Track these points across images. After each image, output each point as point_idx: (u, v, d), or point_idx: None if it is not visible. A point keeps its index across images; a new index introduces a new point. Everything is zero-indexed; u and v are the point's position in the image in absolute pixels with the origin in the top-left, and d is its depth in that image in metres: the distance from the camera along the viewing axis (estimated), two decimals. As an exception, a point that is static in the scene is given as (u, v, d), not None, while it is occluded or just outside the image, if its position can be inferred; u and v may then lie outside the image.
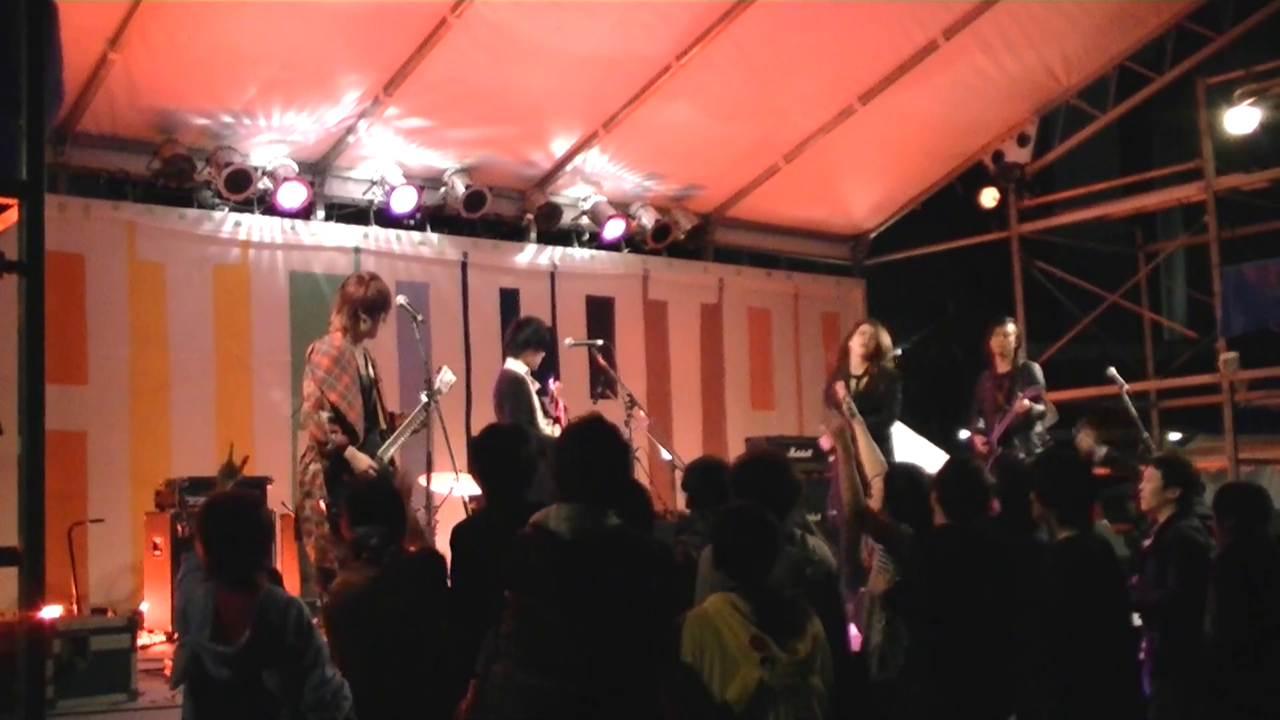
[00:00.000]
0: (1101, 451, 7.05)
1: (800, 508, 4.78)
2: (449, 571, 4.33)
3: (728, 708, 3.49)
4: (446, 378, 6.51)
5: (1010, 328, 8.55)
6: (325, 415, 5.99)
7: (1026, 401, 8.11)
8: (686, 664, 3.55)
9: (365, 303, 6.21)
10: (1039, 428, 8.41)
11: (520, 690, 3.44)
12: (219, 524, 3.85)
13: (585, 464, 3.64)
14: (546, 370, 8.45)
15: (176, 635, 3.96)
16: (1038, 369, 8.54)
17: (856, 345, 7.82)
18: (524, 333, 7.28)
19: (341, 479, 5.99)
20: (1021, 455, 8.23)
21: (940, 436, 10.30)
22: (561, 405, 7.51)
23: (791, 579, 4.27)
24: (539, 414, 7.07)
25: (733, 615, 3.57)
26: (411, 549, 4.39)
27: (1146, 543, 5.77)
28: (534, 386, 7.18)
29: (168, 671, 5.78)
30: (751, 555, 3.74)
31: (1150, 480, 5.66)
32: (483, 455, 4.49)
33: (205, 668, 3.67)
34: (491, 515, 4.41)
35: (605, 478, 3.68)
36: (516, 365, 7.20)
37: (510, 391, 7.09)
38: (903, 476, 5.29)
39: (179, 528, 7.19)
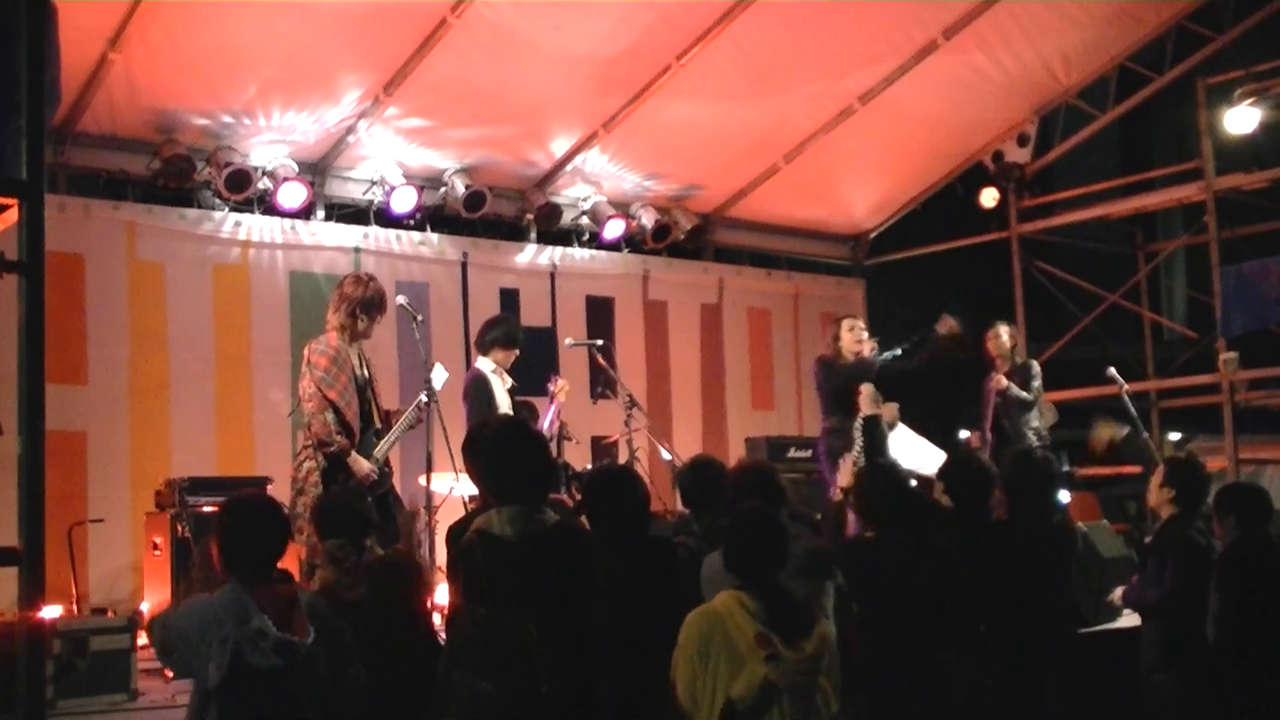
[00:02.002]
0: (1120, 432, 7.21)
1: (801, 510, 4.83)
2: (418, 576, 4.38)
3: (733, 704, 3.50)
4: (439, 375, 6.53)
5: (1002, 329, 8.60)
6: (329, 416, 6.02)
7: (1003, 380, 8.22)
8: (692, 661, 3.56)
9: (362, 302, 6.23)
10: (1035, 422, 8.42)
11: (475, 695, 3.46)
12: (242, 522, 3.89)
13: (512, 466, 3.69)
14: (547, 369, 8.47)
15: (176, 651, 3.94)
16: (1036, 366, 8.59)
17: (852, 339, 7.88)
18: (492, 332, 7.29)
19: (337, 478, 6.01)
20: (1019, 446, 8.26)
21: (940, 436, 10.29)
22: (555, 405, 7.48)
23: (804, 580, 4.28)
24: (503, 411, 7.05)
25: (740, 613, 3.59)
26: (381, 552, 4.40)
27: (1147, 540, 5.79)
28: (505, 384, 7.18)
29: (169, 674, 5.79)
30: (762, 556, 3.76)
31: (1155, 478, 5.70)
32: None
33: (247, 663, 3.67)
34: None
35: (535, 475, 3.73)
36: (483, 363, 7.22)
37: (470, 390, 7.11)
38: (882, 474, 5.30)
39: (179, 528, 7.17)
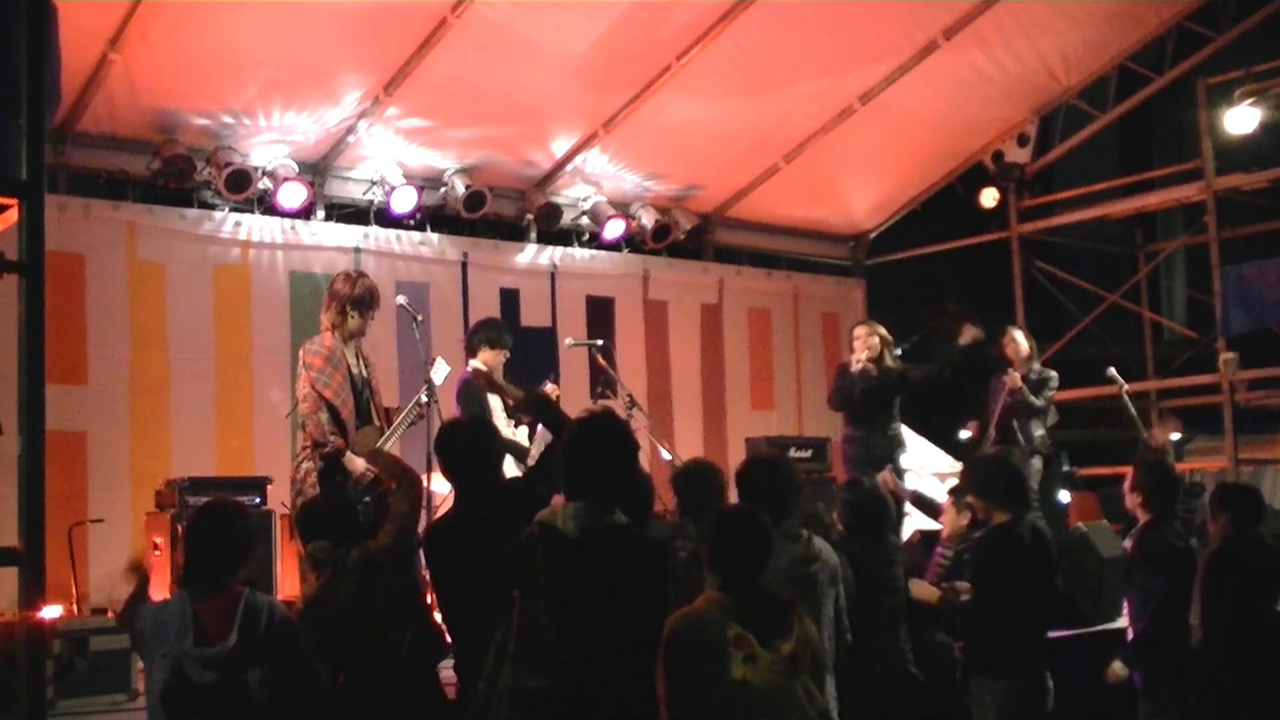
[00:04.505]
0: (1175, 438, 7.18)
1: (811, 507, 4.88)
2: (415, 574, 4.35)
3: (712, 704, 3.50)
4: (441, 369, 6.53)
5: (1015, 334, 8.53)
6: (324, 416, 6.02)
7: (1017, 377, 8.14)
8: (677, 661, 3.56)
9: (352, 299, 6.23)
10: (1040, 430, 8.39)
11: (526, 692, 3.44)
12: (202, 529, 3.91)
13: (594, 461, 3.63)
14: (547, 369, 8.46)
15: (142, 650, 3.96)
16: (1055, 378, 8.46)
17: (859, 347, 7.94)
18: (479, 334, 7.31)
19: (334, 479, 6.01)
20: (1025, 453, 8.24)
21: (940, 436, 10.29)
22: None
23: (796, 577, 4.28)
24: (495, 414, 7.06)
25: (719, 614, 3.58)
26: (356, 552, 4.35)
27: (1127, 544, 5.83)
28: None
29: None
30: (745, 557, 3.74)
31: (1126, 482, 5.74)
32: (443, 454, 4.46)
33: (186, 676, 3.68)
34: (463, 513, 4.36)
35: (613, 475, 3.66)
36: (475, 366, 7.23)
37: (462, 394, 7.13)
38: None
39: (179, 528, 7.17)
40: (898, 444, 7.95)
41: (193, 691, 3.68)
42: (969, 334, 7.87)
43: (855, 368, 7.91)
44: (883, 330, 8.06)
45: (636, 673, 3.50)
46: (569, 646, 3.43)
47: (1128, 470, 6.85)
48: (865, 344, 7.93)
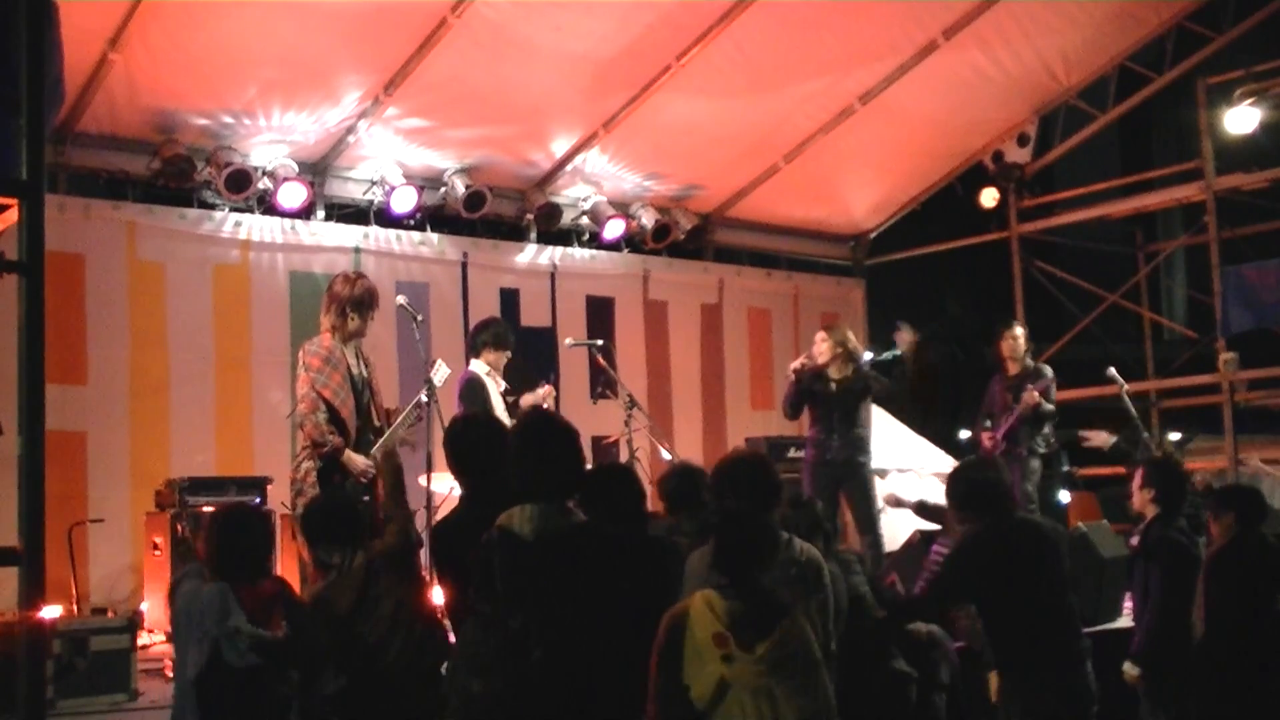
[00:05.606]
0: (1110, 441, 7.19)
1: (812, 511, 4.87)
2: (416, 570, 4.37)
3: (693, 703, 3.51)
4: (442, 371, 6.54)
5: (1018, 331, 8.57)
6: (322, 416, 6.02)
7: (1036, 395, 8.14)
8: (661, 660, 3.57)
9: (352, 301, 6.24)
10: (1046, 429, 8.41)
11: (467, 694, 3.46)
12: (229, 532, 4.00)
13: (539, 463, 3.65)
14: (547, 369, 8.47)
15: (174, 633, 3.99)
16: (1048, 371, 8.52)
17: (826, 350, 7.83)
18: (484, 334, 7.35)
19: (333, 479, 6.01)
20: (1025, 454, 8.25)
21: (941, 436, 10.29)
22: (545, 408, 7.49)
23: (788, 578, 4.28)
24: (497, 413, 7.08)
25: (704, 613, 3.60)
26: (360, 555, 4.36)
27: (1134, 540, 5.84)
28: (499, 386, 7.22)
29: (168, 671, 5.81)
30: (747, 557, 3.75)
31: (1135, 480, 5.75)
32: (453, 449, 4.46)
33: (225, 659, 3.71)
34: (472, 510, 4.37)
35: (561, 474, 3.69)
36: (477, 365, 7.28)
37: (465, 393, 7.17)
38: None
39: (179, 528, 7.19)
40: (858, 450, 7.75)
41: (230, 675, 3.70)
42: (904, 340, 7.85)
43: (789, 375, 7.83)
44: (846, 338, 7.86)
45: (606, 672, 3.51)
46: (525, 649, 3.43)
47: (1127, 470, 6.86)
48: (816, 349, 7.85)
